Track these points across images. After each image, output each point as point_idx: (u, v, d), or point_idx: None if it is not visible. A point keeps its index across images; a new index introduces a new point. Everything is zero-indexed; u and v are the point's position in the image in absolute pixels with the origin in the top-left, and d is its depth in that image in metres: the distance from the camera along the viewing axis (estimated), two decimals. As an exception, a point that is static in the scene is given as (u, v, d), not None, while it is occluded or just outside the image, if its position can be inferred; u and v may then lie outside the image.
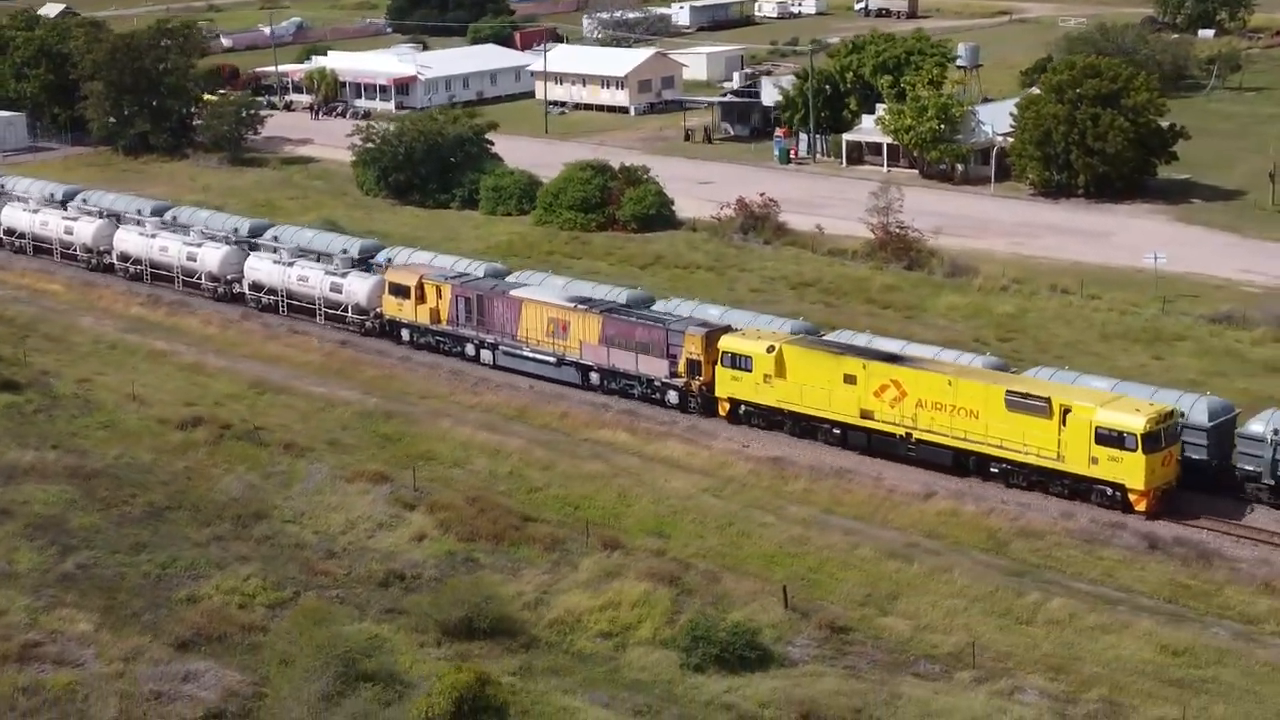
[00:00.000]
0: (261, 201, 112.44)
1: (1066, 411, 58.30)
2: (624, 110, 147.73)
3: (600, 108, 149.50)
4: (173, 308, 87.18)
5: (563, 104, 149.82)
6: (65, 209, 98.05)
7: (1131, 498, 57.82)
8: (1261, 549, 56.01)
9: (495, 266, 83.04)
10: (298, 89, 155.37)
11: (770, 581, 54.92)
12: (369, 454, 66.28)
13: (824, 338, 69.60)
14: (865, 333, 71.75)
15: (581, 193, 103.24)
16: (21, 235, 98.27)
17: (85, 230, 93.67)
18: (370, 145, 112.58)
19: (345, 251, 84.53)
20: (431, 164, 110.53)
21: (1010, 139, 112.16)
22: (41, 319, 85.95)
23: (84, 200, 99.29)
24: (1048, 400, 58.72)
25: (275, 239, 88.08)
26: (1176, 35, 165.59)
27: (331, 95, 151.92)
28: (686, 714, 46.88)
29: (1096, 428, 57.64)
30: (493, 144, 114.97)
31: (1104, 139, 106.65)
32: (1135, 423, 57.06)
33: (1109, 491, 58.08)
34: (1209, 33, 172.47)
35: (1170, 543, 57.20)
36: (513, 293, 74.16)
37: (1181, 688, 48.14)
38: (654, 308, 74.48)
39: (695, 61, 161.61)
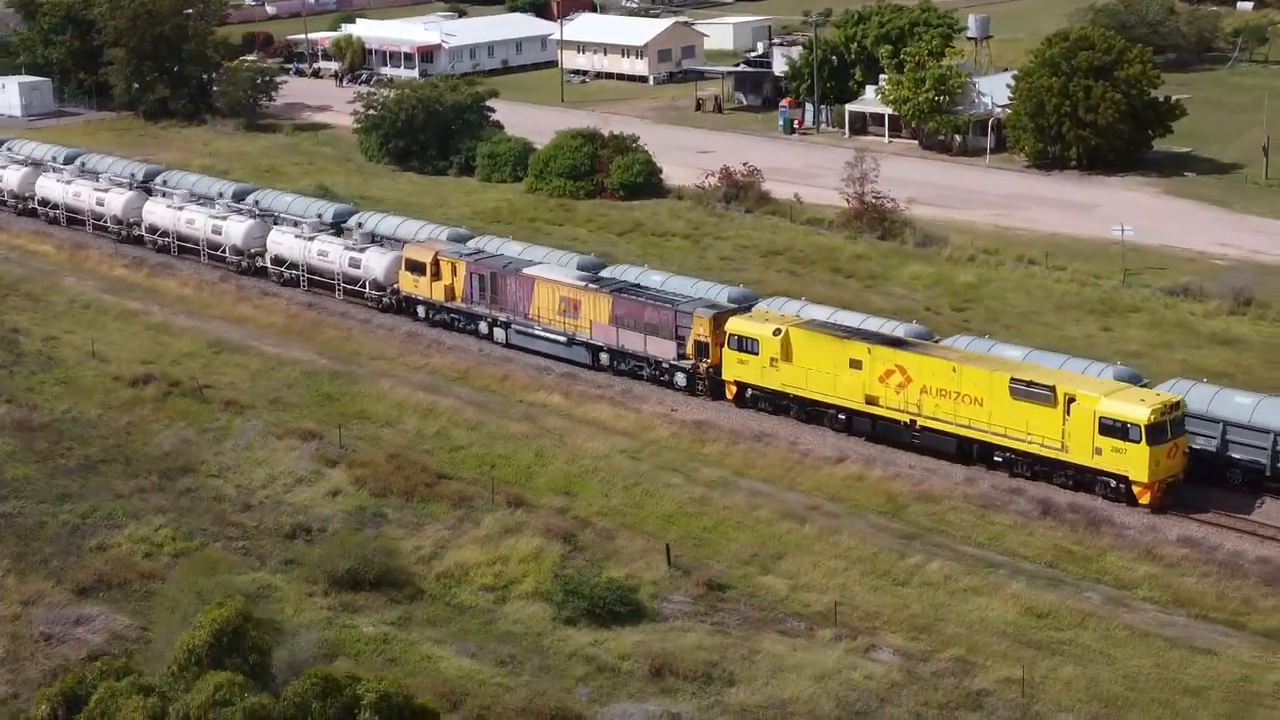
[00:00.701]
0: (265, 167, 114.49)
1: (1071, 400, 56.86)
2: (643, 79, 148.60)
3: (620, 77, 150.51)
4: (154, 269, 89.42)
5: (584, 73, 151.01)
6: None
7: (1135, 490, 56.46)
8: (1150, 518, 56.59)
9: (459, 232, 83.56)
10: (326, 56, 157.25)
11: (663, 540, 56.12)
12: (306, 412, 68.10)
13: (761, 305, 70.49)
14: (800, 299, 72.74)
15: (571, 161, 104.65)
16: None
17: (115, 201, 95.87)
18: (372, 112, 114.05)
19: (320, 216, 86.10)
20: (430, 131, 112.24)
21: (1009, 111, 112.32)
22: (26, 279, 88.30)
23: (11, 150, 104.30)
24: (1052, 389, 57.20)
25: (256, 202, 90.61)
26: (1214, 7, 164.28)
27: (357, 63, 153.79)
28: (548, 664, 48.40)
29: (1100, 418, 56.27)
30: (493, 111, 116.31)
31: (1095, 111, 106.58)
32: (1139, 413, 55.50)
33: (1112, 483, 56.80)
34: (1248, 4, 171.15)
35: (1064, 509, 58.08)
36: (525, 270, 73.15)
37: (1037, 649, 49.07)
38: (602, 273, 75.61)
39: (721, 31, 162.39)
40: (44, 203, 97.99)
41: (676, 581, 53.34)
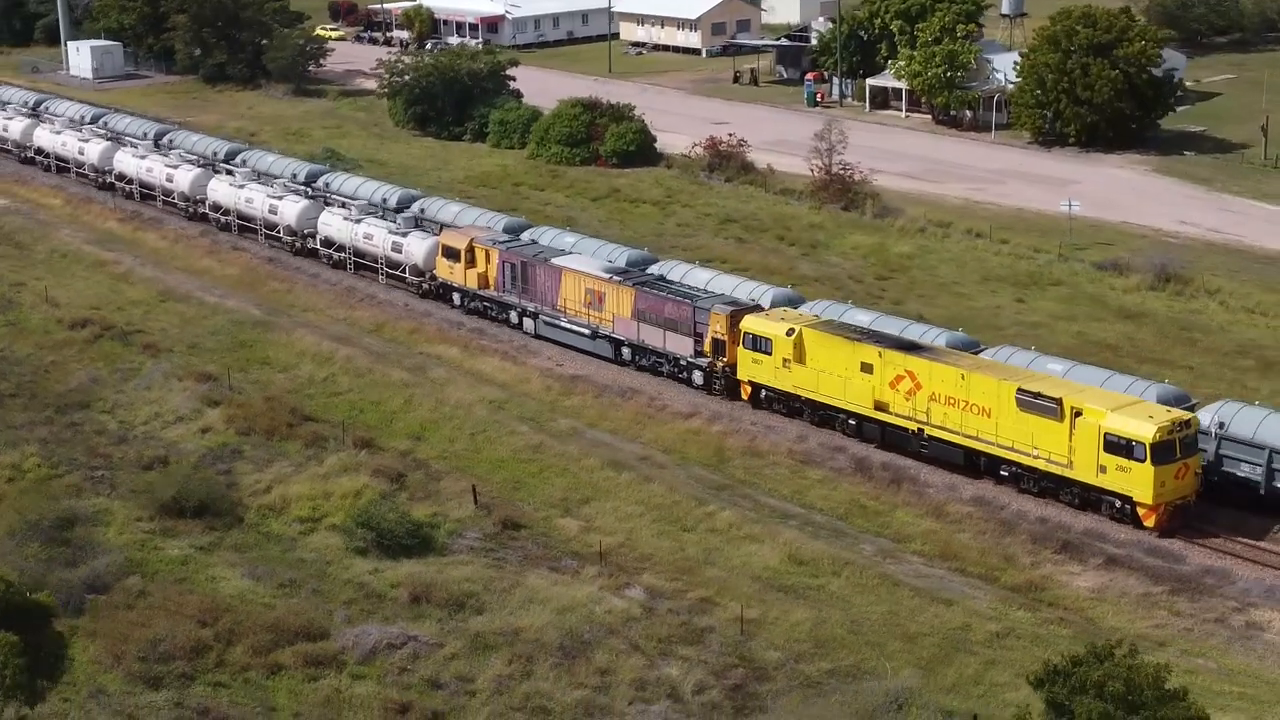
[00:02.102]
0: (294, 130, 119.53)
1: (1077, 414, 53.93)
2: (696, 52, 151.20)
3: (675, 49, 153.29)
4: (143, 223, 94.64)
5: (642, 45, 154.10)
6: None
7: (1140, 512, 53.52)
8: (953, 478, 58.77)
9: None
10: (400, 26, 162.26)
11: (486, 482, 59.58)
12: (215, 357, 72.49)
13: (667, 276, 71.09)
14: (710, 266, 75.02)
15: (568, 128, 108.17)
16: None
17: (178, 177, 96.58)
18: (396, 79, 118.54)
19: (295, 177, 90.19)
20: (447, 98, 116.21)
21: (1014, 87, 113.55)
22: (22, 230, 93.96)
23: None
24: (1059, 401, 54.31)
25: (327, 184, 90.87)
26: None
27: (426, 33, 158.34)
28: (322, 589, 52.11)
29: (1105, 434, 53.20)
30: (513, 80, 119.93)
31: (1092, 89, 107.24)
32: (1145, 431, 52.35)
33: (1117, 504, 53.98)
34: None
35: (875, 466, 60.40)
36: (554, 261, 71.82)
37: (783, 592, 51.69)
38: (524, 235, 78.86)
39: (788, 4, 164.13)
40: (120, 177, 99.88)
41: (478, 520, 56.46)
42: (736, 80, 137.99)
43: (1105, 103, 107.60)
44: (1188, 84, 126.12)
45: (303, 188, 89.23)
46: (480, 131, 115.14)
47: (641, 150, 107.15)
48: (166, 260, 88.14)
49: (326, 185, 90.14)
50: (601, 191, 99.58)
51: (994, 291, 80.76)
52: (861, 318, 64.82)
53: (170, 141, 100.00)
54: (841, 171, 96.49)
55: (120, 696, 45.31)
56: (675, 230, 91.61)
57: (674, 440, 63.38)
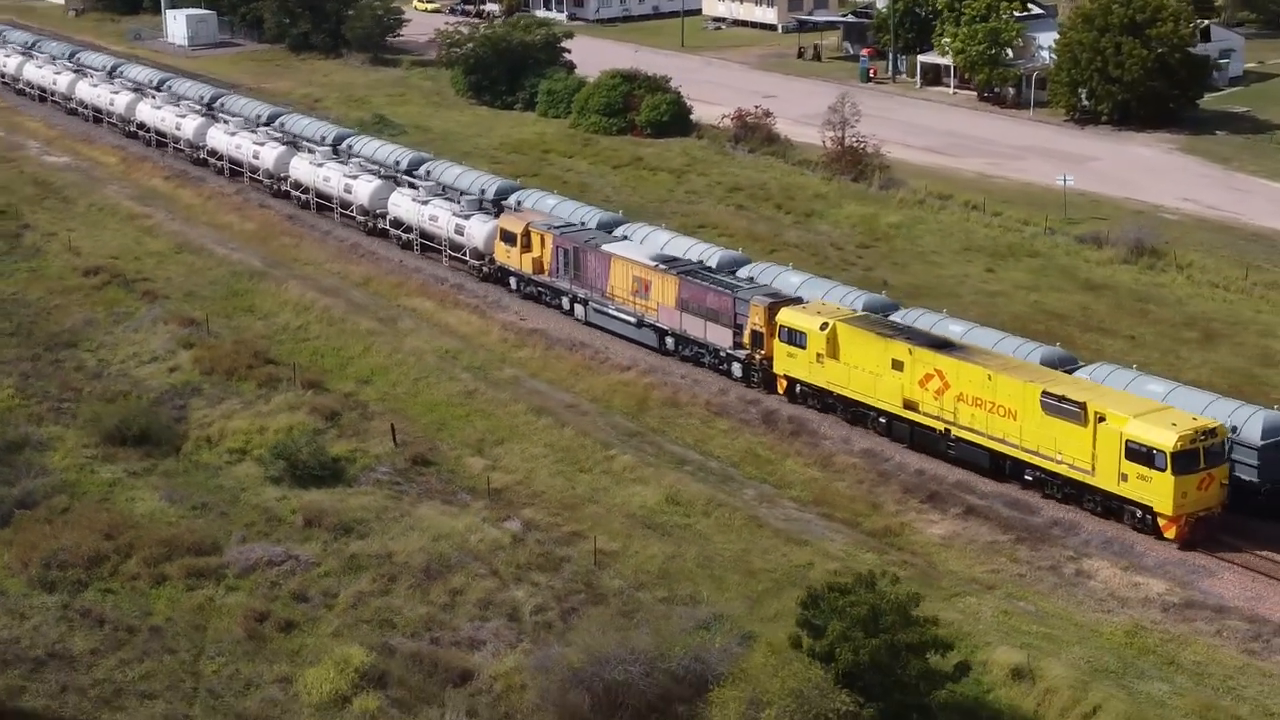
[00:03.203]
0: (358, 97, 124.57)
1: (1101, 420, 52.48)
2: (772, 28, 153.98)
3: (753, 24, 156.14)
4: (183, 181, 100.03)
5: (721, 20, 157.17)
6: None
7: (1160, 523, 51.73)
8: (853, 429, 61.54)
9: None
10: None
11: (415, 423, 63.75)
12: (206, 304, 77.36)
13: (756, 278, 68.97)
14: (672, 230, 77.80)
15: (606, 98, 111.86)
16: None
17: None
18: (454, 50, 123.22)
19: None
20: (501, 68, 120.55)
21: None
22: (73, 184, 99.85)
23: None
24: (1083, 405, 52.80)
25: (428, 172, 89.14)
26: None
27: (516, 5, 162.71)
28: (230, 512, 56.57)
29: (1126, 441, 51.57)
30: (568, 52, 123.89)
31: (1123, 67, 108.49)
32: (1166, 439, 50.65)
33: (1138, 513, 52.36)
34: None
35: (783, 420, 63.47)
36: (604, 247, 71.33)
37: (651, 529, 55.12)
38: (510, 198, 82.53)
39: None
40: (213, 153, 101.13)
41: (393, 456, 60.58)
42: (800, 56, 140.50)
43: (1136, 81, 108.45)
44: (1247, 65, 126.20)
45: (376, 167, 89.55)
46: (530, 101, 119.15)
47: (675, 121, 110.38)
48: (195, 215, 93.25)
49: (427, 173, 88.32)
50: (624, 160, 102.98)
51: (968, 261, 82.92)
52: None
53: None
54: (855, 144, 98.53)
55: (16, 598, 49.97)
56: (681, 197, 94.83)
57: (604, 390, 66.83)
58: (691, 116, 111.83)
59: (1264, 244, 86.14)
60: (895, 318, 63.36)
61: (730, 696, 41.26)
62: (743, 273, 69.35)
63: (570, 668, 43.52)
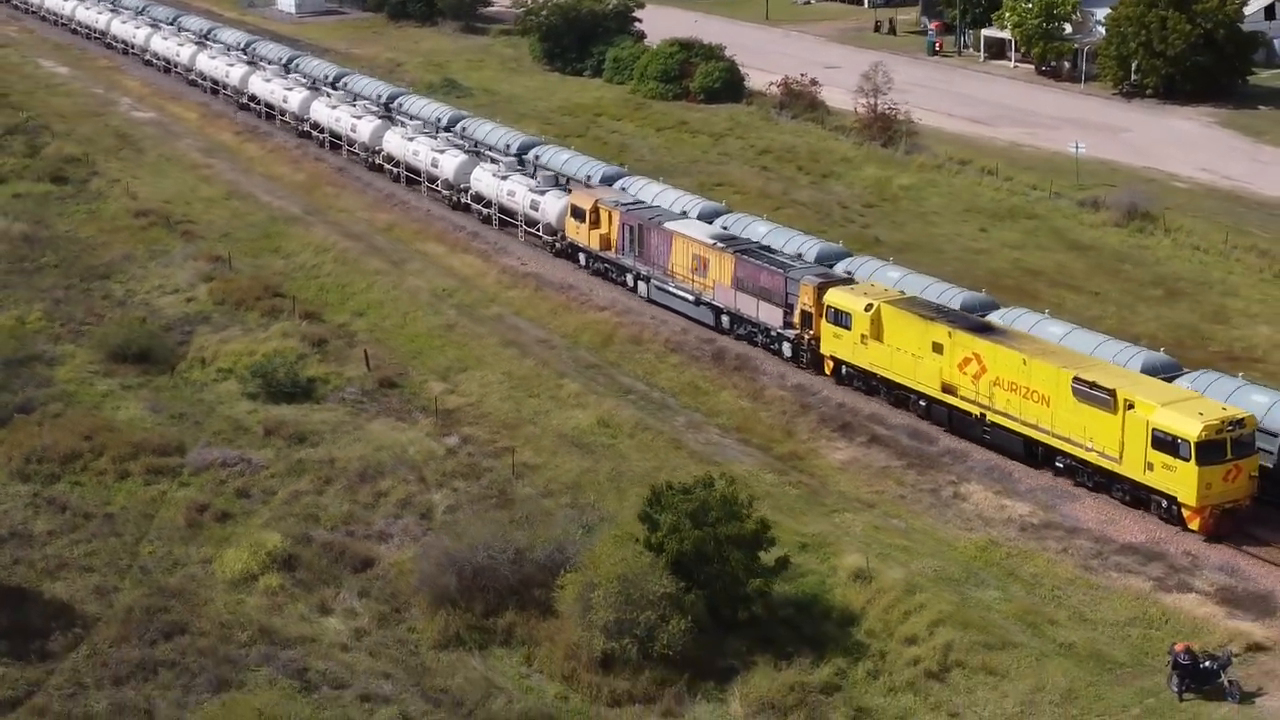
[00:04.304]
0: (439, 62, 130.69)
1: (1130, 407, 51.64)
2: (859, 1, 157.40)
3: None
4: (250, 135, 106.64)
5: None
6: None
7: (1185, 514, 50.98)
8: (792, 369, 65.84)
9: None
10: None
11: (394, 351, 69.36)
12: (237, 245, 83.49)
13: (854, 271, 67.32)
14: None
15: (664, 66, 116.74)
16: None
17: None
18: (530, 18, 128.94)
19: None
20: (572, 37, 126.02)
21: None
22: (150, 137, 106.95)
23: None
24: (1113, 392, 52.00)
25: (537, 156, 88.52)
26: None
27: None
28: (205, 422, 62.43)
29: (1153, 429, 50.73)
30: (639, 21, 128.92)
31: (1167, 42, 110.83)
32: (1191, 428, 49.75)
33: (1164, 504, 51.50)
34: None
35: (730, 358, 68.04)
36: (666, 224, 71.54)
37: (577, 447, 59.98)
38: (532, 152, 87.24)
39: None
40: (315, 126, 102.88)
41: (364, 379, 66.19)
42: (877, 30, 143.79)
43: (1181, 56, 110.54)
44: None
45: (462, 141, 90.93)
46: (598, 68, 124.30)
47: (728, 87, 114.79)
48: (253, 166, 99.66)
49: (536, 158, 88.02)
50: (669, 123, 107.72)
51: (965, 222, 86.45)
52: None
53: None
54: (887, 111, 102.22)
55: (-5, 487, 56.20)
56: (713, 158, 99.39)
57: (575, 327, 71.76)
58: (746, 84, 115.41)
59: (1263, 212, 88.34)
60: (993, 317, 61.39)
61: (572, 581, 46.02)
62: (840, 267, 68.03)
63: (445, 553, 48.46)
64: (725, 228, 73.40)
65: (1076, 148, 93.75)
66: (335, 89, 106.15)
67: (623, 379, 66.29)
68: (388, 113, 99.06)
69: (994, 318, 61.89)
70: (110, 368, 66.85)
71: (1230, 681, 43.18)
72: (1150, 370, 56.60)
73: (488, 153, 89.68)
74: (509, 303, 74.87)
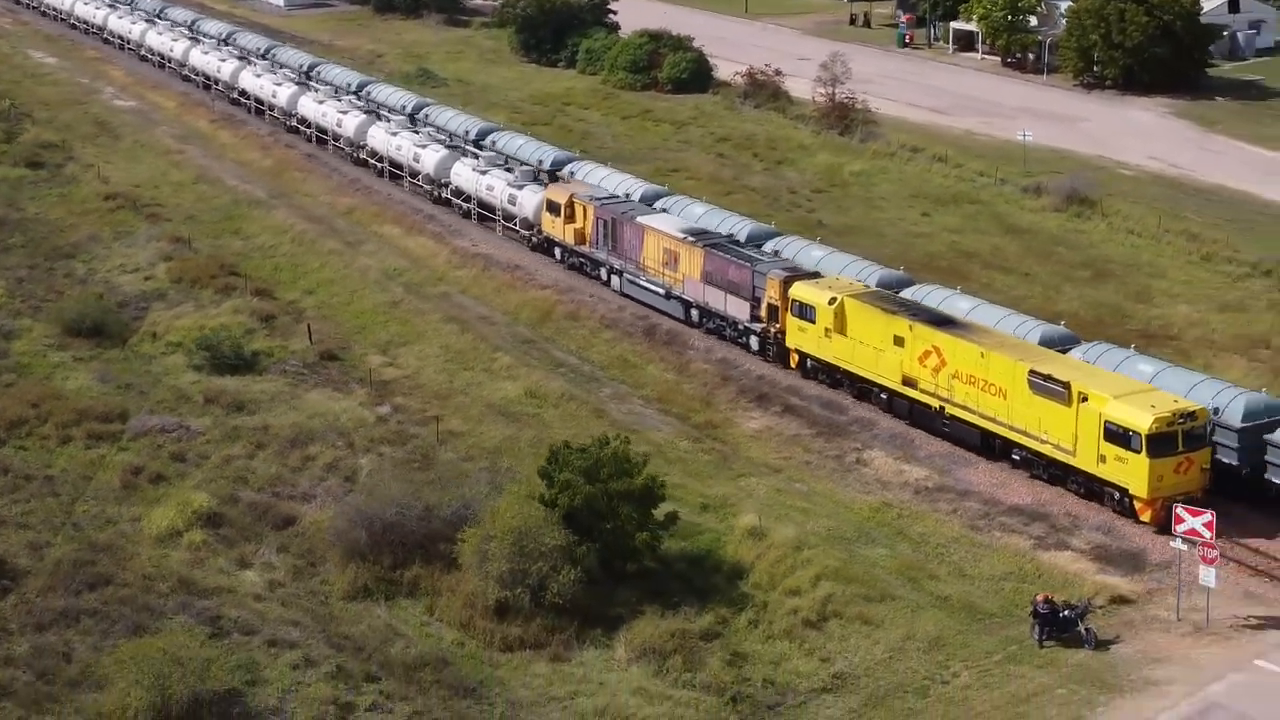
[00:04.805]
0: (419, 54, 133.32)
1: (1083, 400, 52.06)
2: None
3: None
4: (224, 124, 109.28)
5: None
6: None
7: (1136, 505, 51.29)
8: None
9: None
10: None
11: (340, 326, 71.97)
12: (200, 226, 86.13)
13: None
14: (710, 204, 79.03)
15: (633, 56, 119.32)
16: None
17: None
18: (507, 10, 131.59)
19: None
20: (548, 28, 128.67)
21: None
22: (127, 124, 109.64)
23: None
24: (1067, 385, 52.46)
25: (494, 142, 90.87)
26: None
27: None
28: (149, 392, 65.00)
29: (1105, 421, 51.04)
30: (614, 13, 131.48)
31: (1125, 33, 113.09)
32: (1142, 420, 50.11)
33: (1116, 495, 51.92)
34: None
35: (662, 333, 70.54)
36: (639, 219, 72.10)
37: (502, 415, 62.45)
38: (487, 139, 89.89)
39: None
40: (303, 121, 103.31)
41: (306, 353, 68.81)
42: (852, 22, 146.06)
43: (1139, 47, 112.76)
44: (1278, 38, 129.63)
45: (445, 137, 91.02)
46: (572, 59, 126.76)
47: (696, 78, 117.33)
48: (224, 152, 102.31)
49: (493, 142, 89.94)
50: (634, 112, 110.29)
51: (910, 207, 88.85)
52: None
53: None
54: (845, 100, 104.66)
55: (-59, 450, 58.83)
56: (673, 145, 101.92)
57: (517, 304, 74.29)
58: (714, 74, 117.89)
59: (1202, 198, 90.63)
60: (906, 293, 63.42)
61: (472, 535, 48.59)
62: (768, 246, 70.23)
63: (358, 510, 51.06)
64: (665, 210, 75.68)
65: (1024, 135, 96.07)
66: (310, 77, 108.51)
67: (556, 353, 68.74)
68: (359, 100, 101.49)
69: (906, 294, 63.96)
70: (65, 341, 69.40)
71: (1087, 629, 45.51)
72: (1047, 342, 58.89)
73: (439, 134, 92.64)
74: (456, 281, 77.38)
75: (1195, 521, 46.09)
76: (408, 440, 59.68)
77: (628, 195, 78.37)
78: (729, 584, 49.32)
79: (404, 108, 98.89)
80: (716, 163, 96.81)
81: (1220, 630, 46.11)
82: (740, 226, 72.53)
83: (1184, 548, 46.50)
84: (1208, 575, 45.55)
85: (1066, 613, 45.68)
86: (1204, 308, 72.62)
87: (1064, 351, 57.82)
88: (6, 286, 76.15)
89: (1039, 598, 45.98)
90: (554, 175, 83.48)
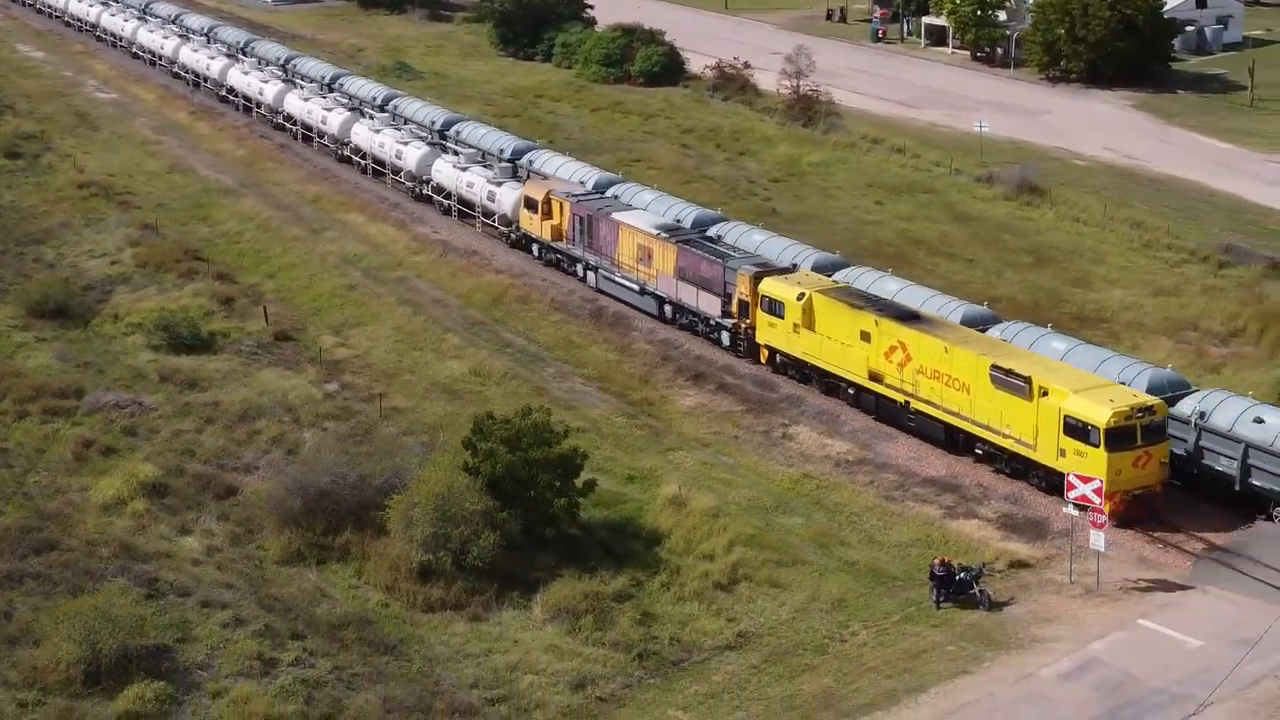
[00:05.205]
0: (399, 48, 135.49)
1: (1044, 394, 52.40)
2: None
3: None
4: (202, 115, 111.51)
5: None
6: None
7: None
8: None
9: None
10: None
11: (297, 309, 74.14)
12: (170, 214, 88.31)
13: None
14: (660, 191, 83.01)
15: (606, 50, 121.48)
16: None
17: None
18: (486, 4, 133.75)
19: (501, 152, 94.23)
20: (526, 23, 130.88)
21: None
22: (107, 116, 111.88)
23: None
24: (1028, 380, 52.82)
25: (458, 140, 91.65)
26: None
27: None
28: (108, 370, 67.14)
29: (1065, 416, 51.44)
30: (591, 8, 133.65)
31: (1088, 27, 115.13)
32: (1100, 414, 50.52)
33: None
34: None
35: (609, 316, 72.62)
36: (614, 215, 72.48)
37: (447, 394, 64.50)
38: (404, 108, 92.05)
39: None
40: (289, 119, 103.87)
41: (262, 333, 70.97)
42: (829, 18, 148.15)
43: (1101, 41, 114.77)
44: (1253, 32, 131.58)
45: (427, 134, 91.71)
46: (549, 53, 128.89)
47: (667, 71, 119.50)
48: (201, 143, 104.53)
49: (457, 134, 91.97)
50: (604, 104, 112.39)
51: (864, 195, 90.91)
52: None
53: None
54: (809, 93, 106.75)
55: (-98, 424, 61.05)
56: (639, 137, 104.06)
57: (471, 288, 76.40)
58: (686, 68, 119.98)
59: (1152, 188, 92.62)
60: (839, 275, 65.31)
61: (398, 501, 50.75)
62: (713, 231, 71.55)
63: (293, 478, 53.23)
64: (617, 196, 77.79)
65: (980, 126, 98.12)
66: (285, 71, 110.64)
67: (505, 334, 70.87)
68: (331, 91, 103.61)
69: (840, 275, 66.04)
70: (29, 322, 71.62)
71: (981, 591, 47.61)
72: (968, 322, 60.95)
73: (406, 126, 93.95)
74: (413, 266, 79.52)
75: (1086, 488, 48.01)
76: (352, 416, 61.79)
77: (581, 183, 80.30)
78: (647, 550, 51.42)
79: (374, 99, 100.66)
80: (680, 153, 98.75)
81: (1109, 592, 48.08)
82: (687, 213, 74.49)
83: (1076, 513, 48.31)
84: (1097, 539, 47.50)
85: (962, 575, 47.73)
86: (1139, 292, 74.52)
87: (983, 330, 59.75)
88: (-24, 273, 77.93)
89: (936, 561, 48.06)
90: (514, 164, 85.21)
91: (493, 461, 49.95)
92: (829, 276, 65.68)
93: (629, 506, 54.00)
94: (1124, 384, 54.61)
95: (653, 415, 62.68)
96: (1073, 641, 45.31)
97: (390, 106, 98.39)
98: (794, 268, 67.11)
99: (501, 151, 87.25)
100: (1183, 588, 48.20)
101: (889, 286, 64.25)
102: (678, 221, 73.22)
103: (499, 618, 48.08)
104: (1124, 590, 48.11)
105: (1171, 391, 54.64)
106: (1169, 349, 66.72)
